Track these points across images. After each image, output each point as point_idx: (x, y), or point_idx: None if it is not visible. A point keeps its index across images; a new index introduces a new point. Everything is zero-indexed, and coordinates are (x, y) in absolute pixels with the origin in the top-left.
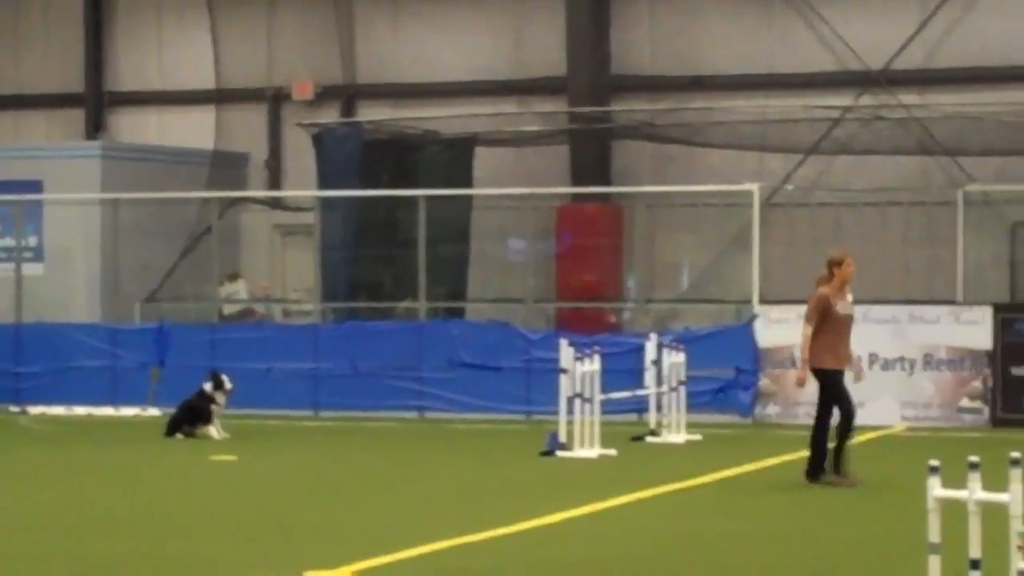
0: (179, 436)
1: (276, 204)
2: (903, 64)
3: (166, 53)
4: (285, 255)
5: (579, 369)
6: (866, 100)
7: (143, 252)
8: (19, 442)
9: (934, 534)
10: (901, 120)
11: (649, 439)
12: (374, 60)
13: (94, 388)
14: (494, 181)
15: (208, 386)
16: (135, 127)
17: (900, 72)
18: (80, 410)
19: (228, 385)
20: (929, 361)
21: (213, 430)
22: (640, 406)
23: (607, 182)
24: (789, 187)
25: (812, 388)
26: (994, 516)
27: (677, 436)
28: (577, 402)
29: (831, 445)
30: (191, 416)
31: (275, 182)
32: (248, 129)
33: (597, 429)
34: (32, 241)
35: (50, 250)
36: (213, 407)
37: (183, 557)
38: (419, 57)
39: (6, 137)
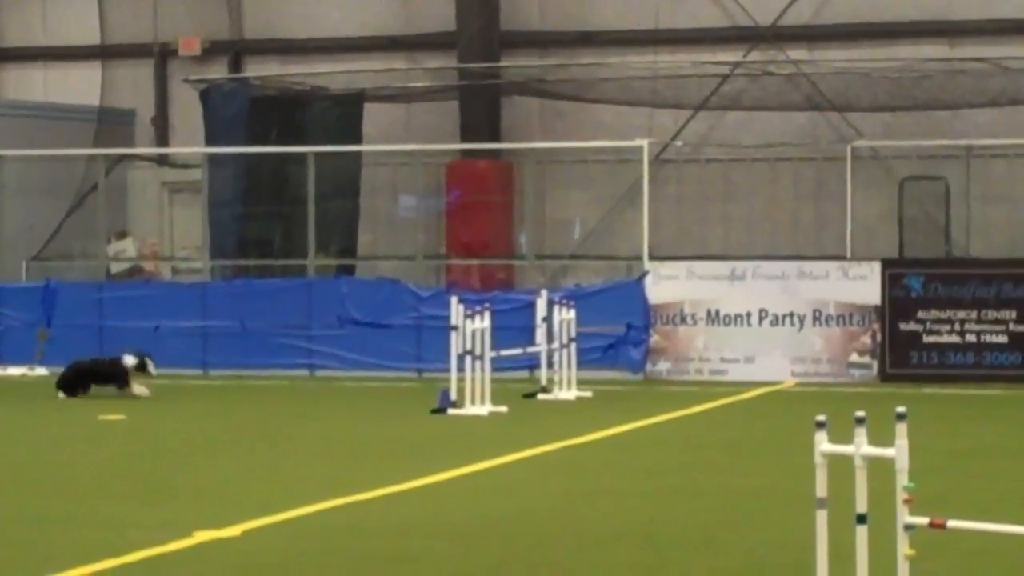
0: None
1: (163, 161)
2: (791, 19)
3: (51, 8)
4: (173, 212)
5: (469, 326)
6: (755, 56)
7: (29, 210)
8: None
9: (821, 489)
10: (790, 76)
11: (540, 396)
12: (261, 15)
13: None
14: (383, 137)
15: (130, 360)
16: (20, 84)
17: (788, 28)
18: None
19: (152, 371)
20: (818, 317)
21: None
22: (531, 363)
23: (497, 138)
24: (679, 143)
25: (701, 343)
26: (881, 471)
27: (568, 393)
28: (468, 359)
29: None
30: (98, 378)
31: (162, 139)
32: (134, 85)
33: (488, 386)
34: None
35: None
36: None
37: (70, 517)
38: (307, 12)
39: None
